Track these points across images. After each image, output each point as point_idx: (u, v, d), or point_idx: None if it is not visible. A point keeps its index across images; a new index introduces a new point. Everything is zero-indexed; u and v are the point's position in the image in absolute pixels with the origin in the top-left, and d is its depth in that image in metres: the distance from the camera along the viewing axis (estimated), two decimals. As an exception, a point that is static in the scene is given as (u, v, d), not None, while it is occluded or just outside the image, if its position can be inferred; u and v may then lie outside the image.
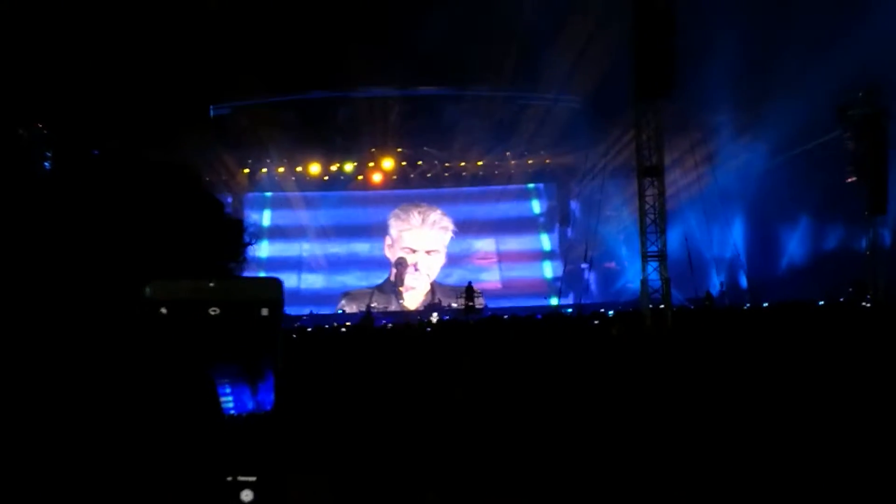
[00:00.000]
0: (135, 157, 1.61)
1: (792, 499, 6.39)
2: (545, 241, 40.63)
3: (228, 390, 1.27)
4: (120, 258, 1.36)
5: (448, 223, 39.03)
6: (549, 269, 39.98)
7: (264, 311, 1.31)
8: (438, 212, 39.10)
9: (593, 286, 36.20)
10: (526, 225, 40.53)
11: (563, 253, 39.21)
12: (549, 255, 40.23)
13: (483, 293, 33.97)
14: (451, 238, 39.12)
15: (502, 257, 39.51)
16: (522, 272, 39.42)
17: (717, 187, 32.84)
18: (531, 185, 40.66)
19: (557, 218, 40.82)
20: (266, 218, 38.54)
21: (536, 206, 41.03)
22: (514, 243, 39.67)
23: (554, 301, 37.49)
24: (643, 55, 24.52)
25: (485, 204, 38.98)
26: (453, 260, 39.04)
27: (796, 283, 32.19)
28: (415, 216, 38.83)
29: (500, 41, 32.51)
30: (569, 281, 37.23)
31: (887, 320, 19.52)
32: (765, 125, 33.73)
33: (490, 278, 38.55)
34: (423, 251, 38.28)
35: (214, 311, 1.29)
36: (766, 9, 30.43)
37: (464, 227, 39.10)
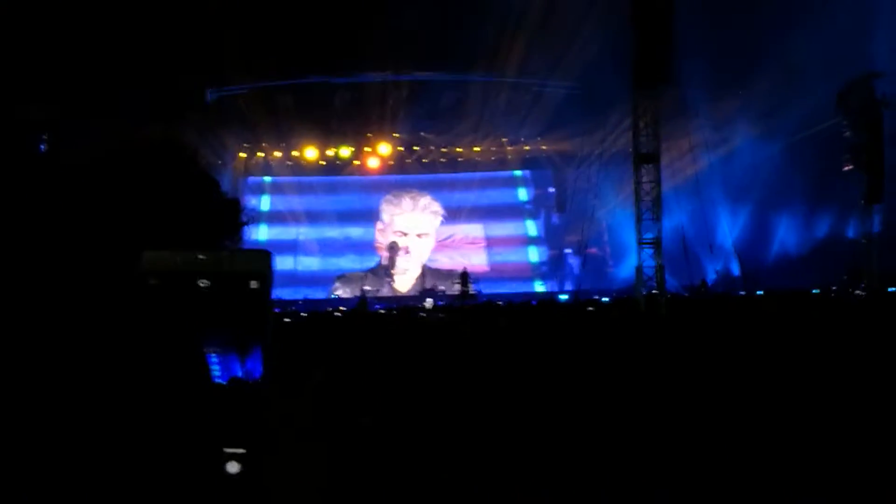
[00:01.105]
0: (131, 135, 1.58)
1: (787, 483, 6.38)
2: (531, 227, 41.07)
3: (216, 359, 1.25)
4: (115, 232, 1.34)
5: (438, 208, 39.43)
6: (534, 254, 40.51)
7: (253, 284, 1.27)
8: (428, 197, 39.47)
9: (576, 271, 35.59)
10: (513, 211, 41.04)
11: (548, 238, 40.31)
12: (534, 241, 40.74)
13: (471, 276, 33.95)
14: (442, 222, 39.52)
15: (490, 242, 39.93)
16: (509, 256, 39.90)
17: (712, 175, 32.80)
18: (518, 173, 41.23)
19: (544, 205, 41.14)
20: (265, 203, 39.18)
21: (523, 194, 41.54)
22: (501, 229, 40.21)
23: (539, 285, 38.89)
24: (641, 42, 23.53)
25: (474, 191, 39.28)
26: (443, 244, 39.44)
27: (790, 271, 31.26)
28: (406, 201, 39.25)
29: (498, 26, 32.44)
30: (552, 265, 38.91)
31: (881, 308, 19.56)
32: (762, 113, 32.45)
33: (478, 262, 38.96)
34: (414, 234, 38.76)
35: (204, 283, 1.25)
36: None
37: (454, 213, 39.43)
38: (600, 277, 35.80)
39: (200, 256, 1.43)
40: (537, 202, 41.45)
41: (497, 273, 38.59)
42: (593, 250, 36.34)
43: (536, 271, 40.10)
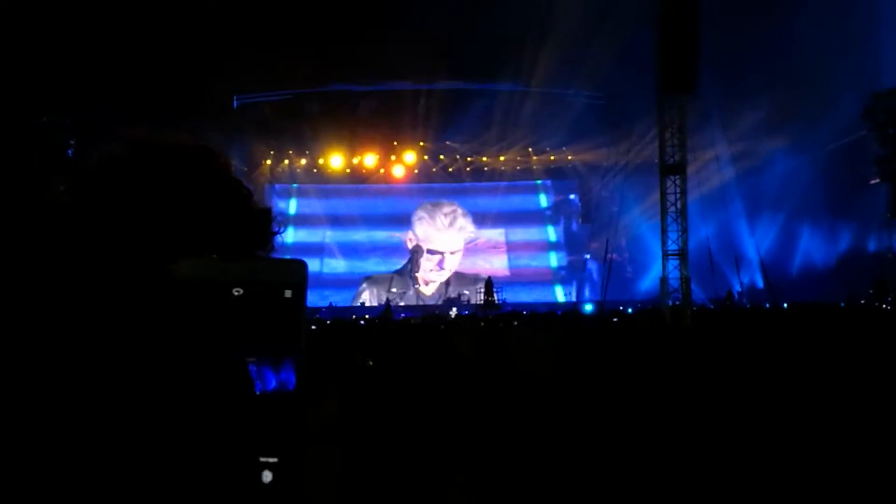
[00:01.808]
0: (161, 140, 1.57)
1: (806, 495, 6.33)
2: (551, 233, 41.53)
3: (251, 370, 1.24)
4: (148, 239, 1.33)
5: (471, 225, 39.72)
6: (554, 259, 41.01)
7: (288, 293, 1.28)
8: (460, 212, 39.61)
9: (595, 276, 36.71)
10: (534, 217, 41.48)
11: (567, 244, 40.78)
12: (554, 246, 41.28)
13: (494, 282, 34.20)
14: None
15: (511, 247, 40.46)
16: (530, 261, 40.41)
17: (737, 186, 32.64)
18: (538, 181, 41.48)
19: (564, 211, 41.50)
20: (292, 206, 39.52)
21: (544, 200, 41.90)
22: (522, 234, 40.74)
23: (559, 289, 39.33)
24: (667, 52, 22.97)
25: (497, 197, 39.82)
26: (466, 248, 39.82)
27: (816, 284, 30.23)
28: (441, 219, 39.44)
29: (524, 35, 32.24)
30: (572, 270, 39.53)
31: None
32: (788, 125, 31.59)
33: (500, 265, 39.60)
34: (448, 252, 39.07)
35: (238, 291, 1.26)
36: (793, 7, 28.35)
37: (477, 219, 39.76)
38: (620, 284, 35.81)
39: (235, 265, 1.39)
40: (557, 208, 41.71)
41: (517, 277, 38.92)
42: (613, 256, 36.52)
43: (556, 276, 40.46)
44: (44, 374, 1.17)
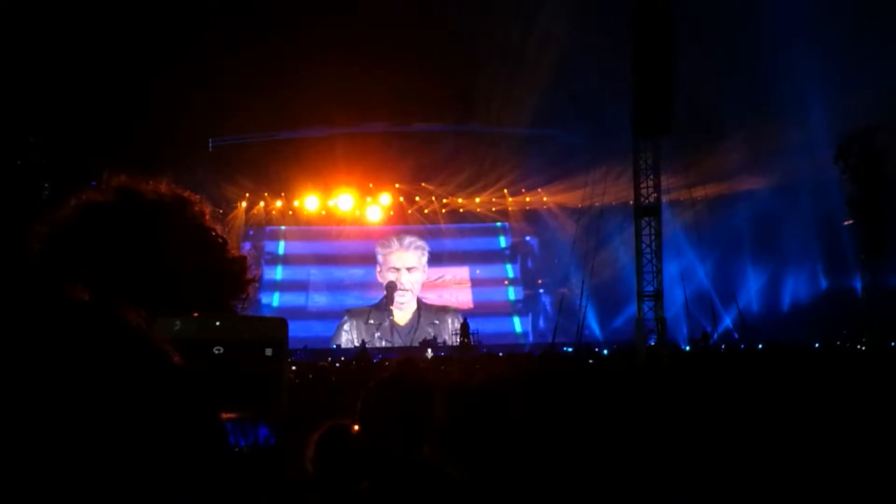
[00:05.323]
0: (140, 186, 1.56)
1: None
2: (509, 270, 44.95)
3: (229, 427, 1.22)
4: (126, 294, 1.30)
5: (423, 244, 42.08)
6: (512, 293, 44.36)
7: (268, 351, 1.27)
8: (413, 235, 42.19)
9: (549, 308, 39.52)
10: (494, 256, 44.91)
11: (523, 280, 43.98)
12: (512, 282, 44.64)
13: (460, 311, 37.67)
14: (432, 265, 43.25)
15: (475, 283, 43.71)
16: (491, 295, 43.69)
17: (713, 226, 32.64)
18: (498, 224, 45.15)
19: (520, 250, 44.84)
20: (281, 247, 42.30)
21: (502, 241, 45.42)
22: (484, 271, 44.17)
23: (517, 321, 42.37)
24: (641, 95, 21.21)
25: (461, 238, 43.31)
26: (435, 284, 42.61)
27: (790, 325, 28.52)
28: (393, 241, 42.06)
29: (500, 78, 31.60)
30: (527, 303, 42.91)
31: (883, 362, 19.37)
32: (763, 165, 30.29)
33: (464, 299, 42.62)
34: (404, 269, 41.55)
35: (219, 350, 1.25)
36: (768, 47, 27.19)
37: (444, 257, 42.68)
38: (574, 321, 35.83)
39: (216, 323, 1.34)
40: (514, 249, 44.84)
41: (481, 309, 41.43)
42: (564, 290, 37.06)
43: (514, 308, 43.71)
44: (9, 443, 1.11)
